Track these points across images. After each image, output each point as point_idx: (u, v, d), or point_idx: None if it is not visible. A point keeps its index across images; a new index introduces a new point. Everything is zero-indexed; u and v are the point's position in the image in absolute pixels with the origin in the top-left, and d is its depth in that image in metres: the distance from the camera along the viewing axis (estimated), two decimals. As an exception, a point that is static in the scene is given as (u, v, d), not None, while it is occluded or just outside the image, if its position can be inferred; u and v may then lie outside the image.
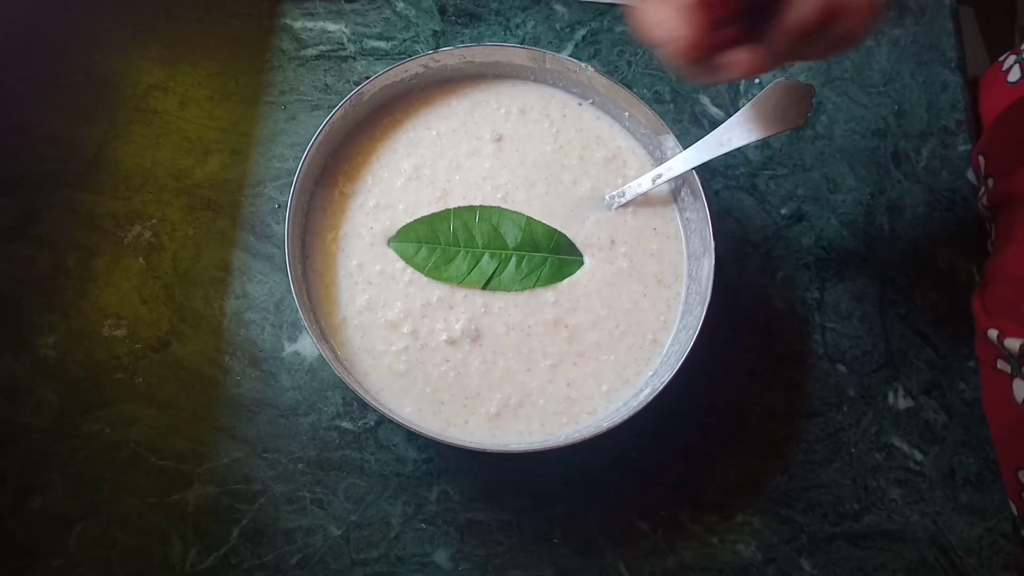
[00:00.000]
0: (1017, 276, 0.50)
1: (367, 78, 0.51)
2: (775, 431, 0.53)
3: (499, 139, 0.52)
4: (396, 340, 0.49)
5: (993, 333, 0.51)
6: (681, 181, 0.51)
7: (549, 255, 0.51)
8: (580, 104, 0.53)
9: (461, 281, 0.49)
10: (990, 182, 0.56)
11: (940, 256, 0.56)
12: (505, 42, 0.56)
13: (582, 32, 0.60)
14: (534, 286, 0.50)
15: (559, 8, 0.60)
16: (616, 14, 0.60)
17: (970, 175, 0.58)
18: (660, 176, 0.49)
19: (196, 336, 0.53)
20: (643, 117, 0.51)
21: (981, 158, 0.57)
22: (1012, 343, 0.49)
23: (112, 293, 0.53)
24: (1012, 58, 0.60)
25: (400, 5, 0.60)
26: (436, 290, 0.49)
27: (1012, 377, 0.50)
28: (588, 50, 0.59)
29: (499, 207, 0.51)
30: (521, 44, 0.57)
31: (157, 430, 0.51)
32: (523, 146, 0.52)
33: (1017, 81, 0.58)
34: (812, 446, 0.53)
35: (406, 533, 0.50)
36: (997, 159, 0.56)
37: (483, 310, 0.49)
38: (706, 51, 0.37)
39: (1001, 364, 0.51)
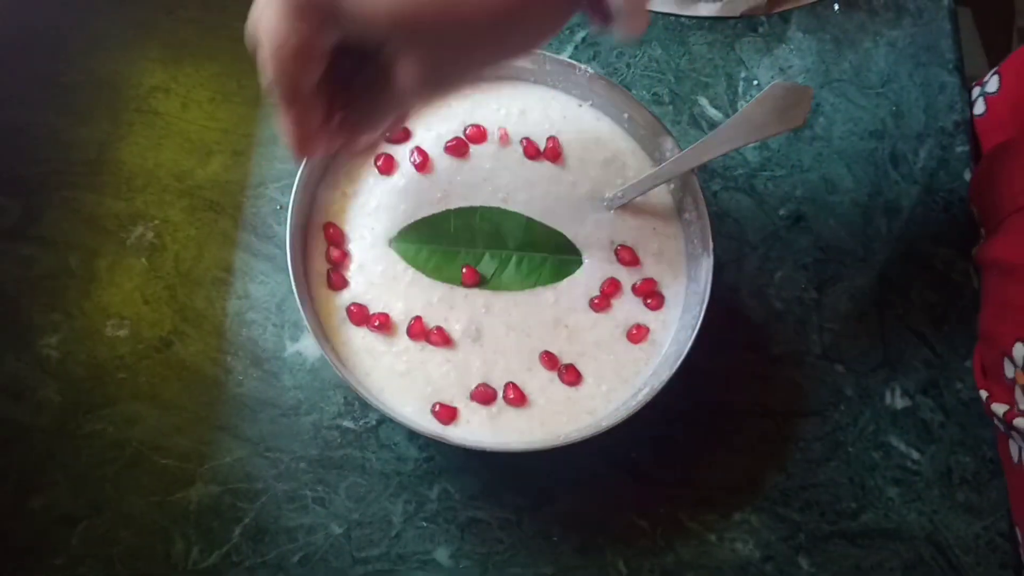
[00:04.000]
0: (998, 341, 0.51)
1: (368, 79, 0.51)
2: (773, 430, 0.53)
3: (500, 140, 0.53)
4: (397, 340, 0.49)
5: (983, 395, 0.52)
6: (680, 182, 0.51)
7: (549, 255, 0.51)
8: (580, 106, 0.54)
9: (462, 281, 0.50)
10: (983, 231, 0.56)
11: (938, 256, 0.57)
12: (505, 44, 0.56)
13: (581, 34, 0.60)
14: (534, 286, 0.50)
15: (559, 10, 0.60)
16: (615, 16, 0.60)
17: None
18: (659, 177, 0.50)
19: (198, 336, 0.53)
20: (642, 119, 0.51)
21: (974, 208, 0.57)
22: (998, 408, 0.50)
23: (114, 293, 0.54)
24: (977, 89, 0.60)
25: (401, 7, 0.60)
26: (437, 290, 0.50)
27: (1008, 436, 0.51)
28: (588, 52, 0.60)
29: (499, 208, 0.51)
30: (521, 46, 0.58)
31: (159, 429, 0.51)
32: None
33: (982, 114, 0.59)
34: (810, 445, 0.53)
35: (407, 531, 0.50)
36: (983, 214, 0.57)
37: (484, 310, 0.50)
38: (310, 72, 0.32)
39: (996, 422, 0.51)
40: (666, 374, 0.46)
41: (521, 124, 0.53)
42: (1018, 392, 0.49)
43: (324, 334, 0.48)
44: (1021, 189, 0.51)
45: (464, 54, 0.32)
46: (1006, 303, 0.51)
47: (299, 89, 0.33)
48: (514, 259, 0.51)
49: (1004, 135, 0.56)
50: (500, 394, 0.48)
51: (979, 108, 0.59)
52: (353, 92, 0.36)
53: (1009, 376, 0.49)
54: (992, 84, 0.58)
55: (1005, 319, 0.51)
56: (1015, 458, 0.50)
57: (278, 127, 0.37)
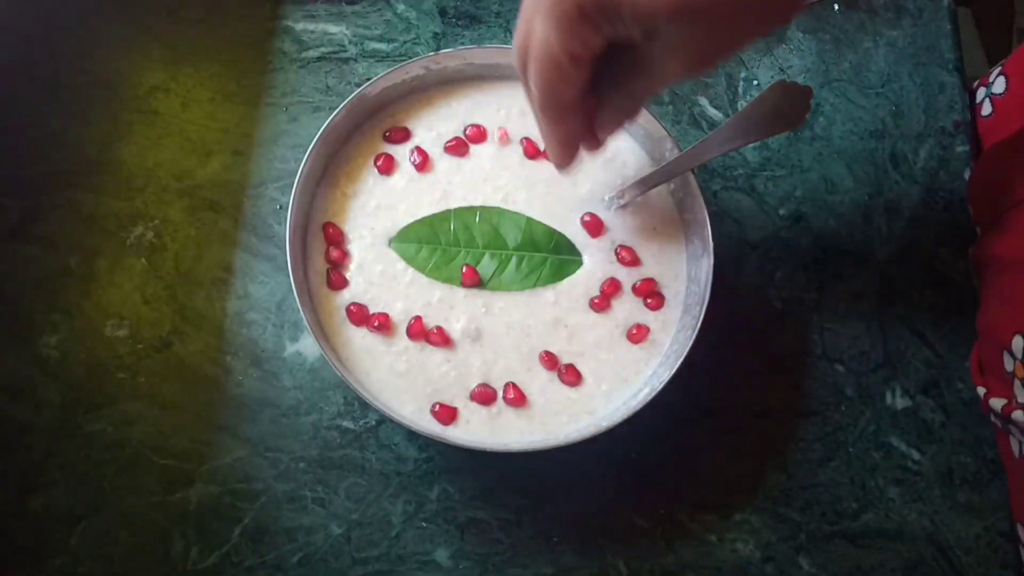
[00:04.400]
0: (997, 336, 0.51)
1: (368, 80, 0.51)
2: (773, 430, 0.53)
3: (500, 140, 0.53)
4: (397, 340, 0.49)
5: (980, 391, 0.52)
6: (680, 182, 0.51)
7: (549, 255, 0.51)
8: (580, 105, 0.54)
9: (461, 281, 0.50)
10: (978, 230, 0.56)
11: (938, 256, 0.57)
12: (505, 44, 0.56)
13: (582, 34, 0.60)
14: (534, 286, 0.50)
15: (559, 10, 0.60)
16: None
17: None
18: (659, 177, 0.50)
19: (198, 336, 0.53)
20: (642, 119, 0.51)
21: (971, 207, 0.57)
22: (996, 403, 0.50)
23: (114, 293, 0.54)
24: (982, 90, 0.60)
25: (401, 7, 0.60)
26: (437, 290, 0.50)
27: (1007, 433, 0.51)
28: (588, 52, 0.60)
29: (499, 207, 0.51)
30: (521, 46, 0.58)
31: (159, 429, 0.51)
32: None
33: (989, 115, 0.59)
34: (810, 445, 0.53)
35: (407, 532, 0.50)
36: (980, 212, 0.57)
37: (483, 310, 0.50)
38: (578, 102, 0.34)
39: (994, 418, 0.51)
40: (666, 374, 0.46)
41: (521, 124, 0.53)
42: (1017, 385, 0.48)
43: (324, 334, 0.48)
44: (1021, 183, 0.51)
45: (735, 31, 0.32)
46: (1004, 297, 0.51)
47: (571, 97, 0.34)
48: (514, 259, 0.51)
49: (1010, 135, 0.56)
50: (500, 394, 0.48)
51: (986, 109, 0.59)
52: (604, 88, 0.37)
53: (1008, 370, 0.49)
54: (999, 85, 0.58)
55: (1004, 313, 0.51)
56: (1016, 453, 0.50)
57: (545, 140, 0.39)
